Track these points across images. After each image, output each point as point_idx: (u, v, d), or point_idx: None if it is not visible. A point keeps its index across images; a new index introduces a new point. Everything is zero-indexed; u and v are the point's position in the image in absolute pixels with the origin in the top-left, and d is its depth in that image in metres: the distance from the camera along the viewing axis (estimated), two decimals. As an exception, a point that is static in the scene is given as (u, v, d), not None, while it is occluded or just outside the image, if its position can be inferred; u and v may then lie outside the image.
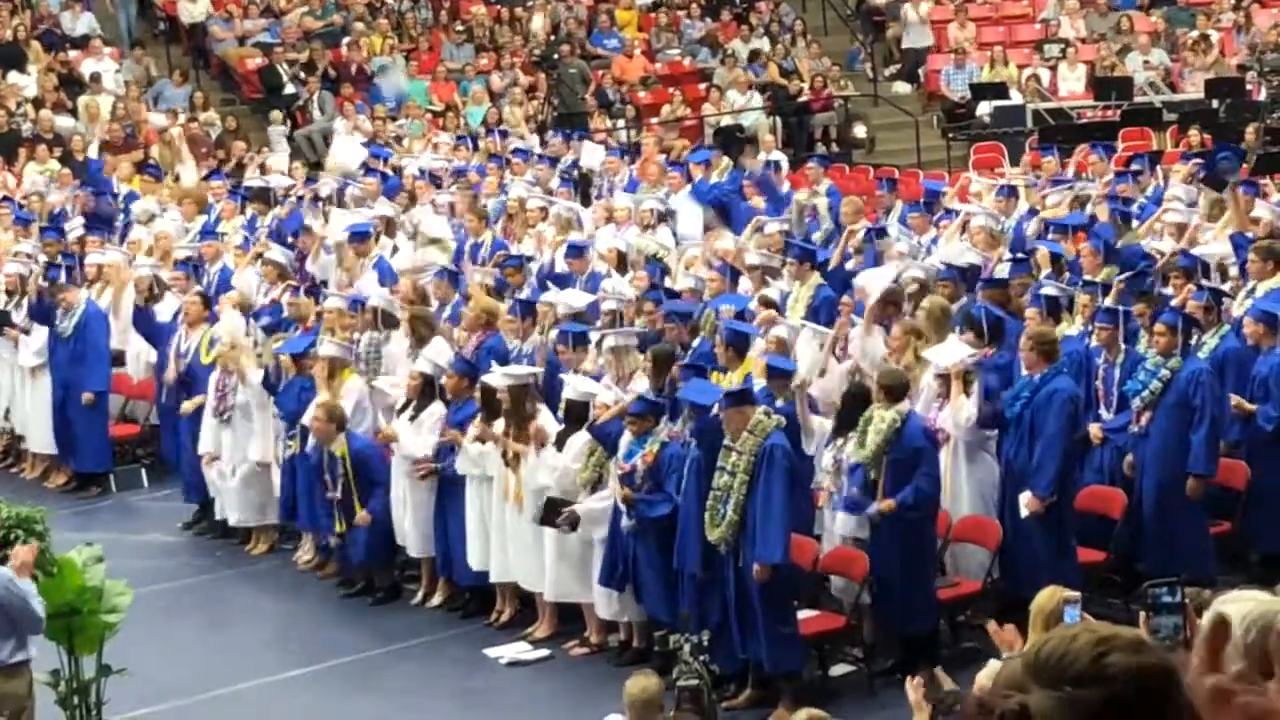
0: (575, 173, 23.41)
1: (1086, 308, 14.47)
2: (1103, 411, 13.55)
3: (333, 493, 14.87)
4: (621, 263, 17.74)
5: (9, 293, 18.99)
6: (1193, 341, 13.70)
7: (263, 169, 25.45)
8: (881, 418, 12.39)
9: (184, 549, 16.75)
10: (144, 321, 17.82)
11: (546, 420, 13.66)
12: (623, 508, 12.84)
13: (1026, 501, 12.73)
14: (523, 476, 13.65)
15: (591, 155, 24.06)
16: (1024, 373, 13.06)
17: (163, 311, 17.89)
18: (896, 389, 12.56)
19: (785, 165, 25.04)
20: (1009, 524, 12.90)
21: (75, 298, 18.11)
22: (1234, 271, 15.80)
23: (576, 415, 13.44)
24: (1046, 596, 9.42)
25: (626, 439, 12.92)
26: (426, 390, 14.62)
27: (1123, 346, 13.62)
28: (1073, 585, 11.09)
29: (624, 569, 12.99)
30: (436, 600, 14.82)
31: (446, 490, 14.45)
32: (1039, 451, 12.73)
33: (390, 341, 16.06)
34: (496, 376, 13.84)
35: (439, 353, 15.14)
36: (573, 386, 13.59)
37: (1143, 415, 13.33)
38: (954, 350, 13.30)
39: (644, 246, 18.47)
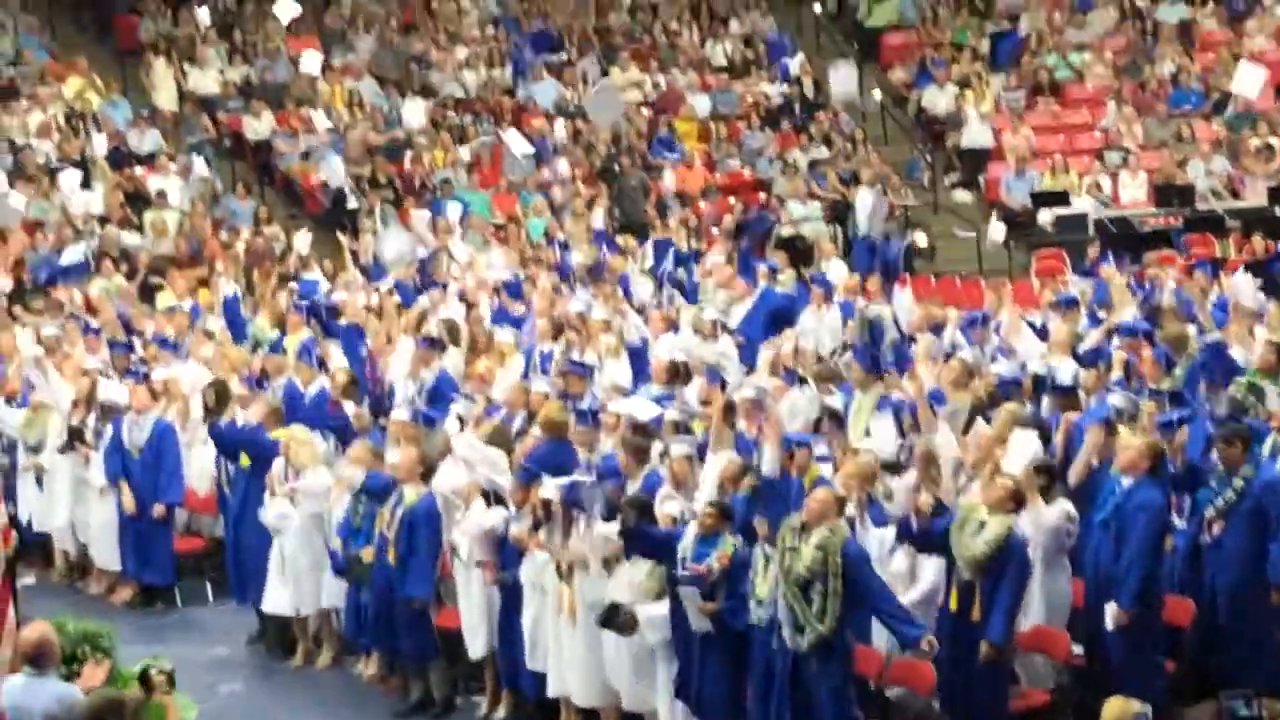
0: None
1: (1152, 416, 14.37)
2: (1174, 519, 13.40)
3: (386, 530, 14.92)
4: (676, 373, 17.69)
5: (75, 404, 19.08)
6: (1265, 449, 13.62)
7: (331, 279, 25.61)
8: (984, 523, 12.30)
9: (249, 662, 16.71)
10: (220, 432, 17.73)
11: (609, 532, 13.56)
12: (698, 620, 12.68)
13: (1113, 614, 12.59)
14: (577, 588, 13.59)
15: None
16: (1119, 475, 12.93)
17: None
18: (1021, 498, 12.49)
19: (845, 273, 25.09)
20: (1095, 632, 12.77)
21: (146, 409, 18.23)
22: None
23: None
24: (1118, 708, 9.33)
25: (691, 536, 12.81)
26: (485, 498, 14.65)
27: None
28: (1157, 698, 11.03)
29: (696, 680, 12.85)
30: (501, 713, 14.74)
31: (510, 599, 14.36)
32: (1125, 563, 12.59)
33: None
34: (550, 488, 13.82)
35: (495, 465, 15.18)
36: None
37: (1214, 524, 13.19)
38: (1025, 448, 13.22)
39: (705, 356, 18.48)
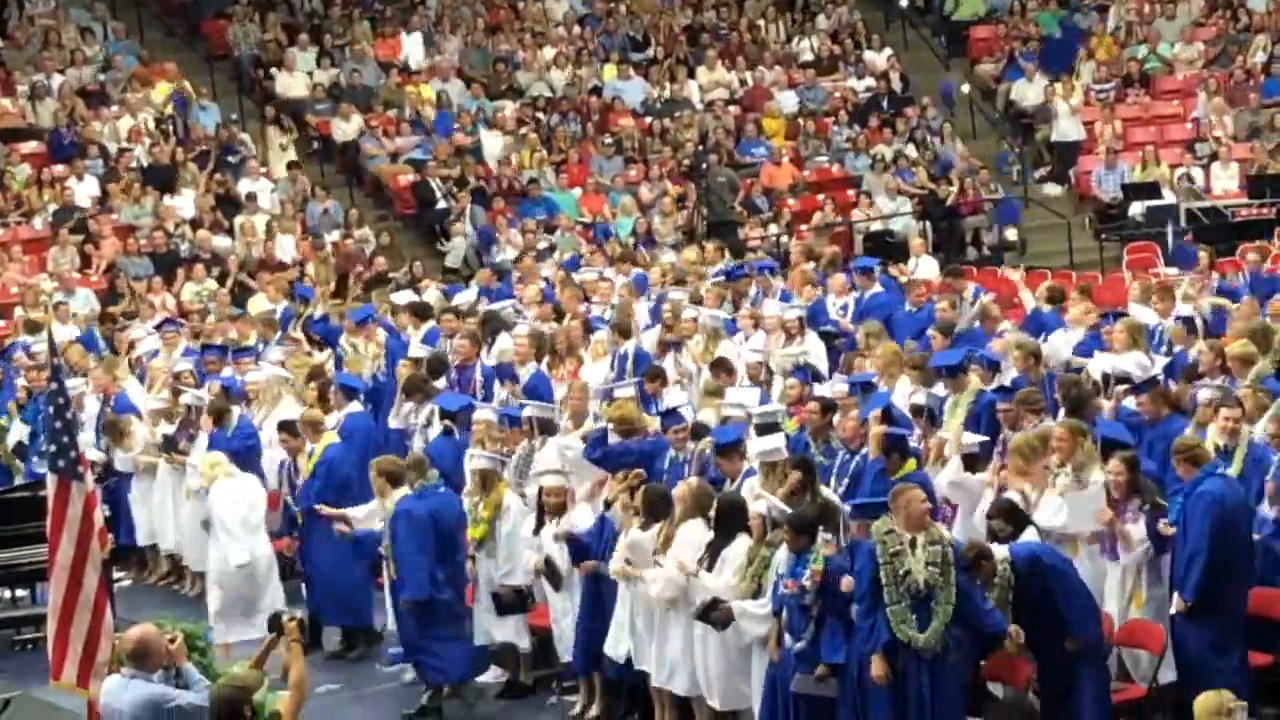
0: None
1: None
2: (1266, 509, 13.20)
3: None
4: (754, 374, 17.69)
5: (168, 415, 19.17)
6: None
7: (414, 282, 25.74)
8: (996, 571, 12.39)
9: (334, 660, 16.80)
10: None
11: (698, 532, 13.53)
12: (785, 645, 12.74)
13: (1176, 603, 12.56)
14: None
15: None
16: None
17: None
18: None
19: (935, 270, 24.98)
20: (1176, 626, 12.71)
21: (231, 416, 18.33)
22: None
23: (731, 525, 13.38)
24: (1212, 701, 9.27)
25: (784, 554, 12.76)
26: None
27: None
28: (1240, 690, 10.93)
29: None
30: (595, 710, 14.73)
31: (607, 592, 14.30)
32: (1185, 553, 12.52)
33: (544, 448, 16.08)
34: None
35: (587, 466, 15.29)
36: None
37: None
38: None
39: (788, 355, 18.43)
